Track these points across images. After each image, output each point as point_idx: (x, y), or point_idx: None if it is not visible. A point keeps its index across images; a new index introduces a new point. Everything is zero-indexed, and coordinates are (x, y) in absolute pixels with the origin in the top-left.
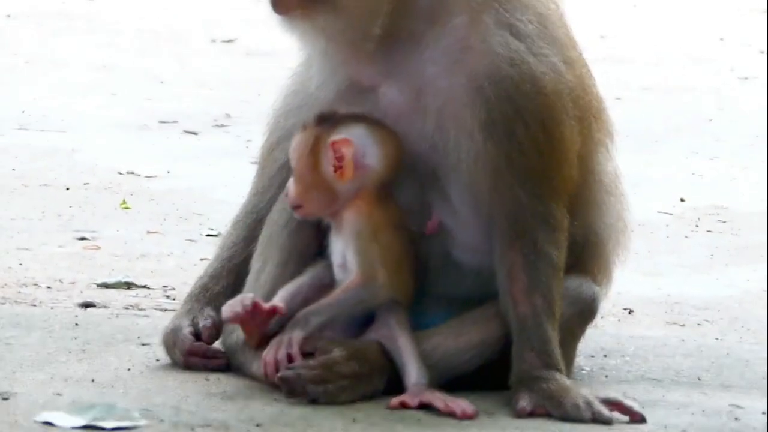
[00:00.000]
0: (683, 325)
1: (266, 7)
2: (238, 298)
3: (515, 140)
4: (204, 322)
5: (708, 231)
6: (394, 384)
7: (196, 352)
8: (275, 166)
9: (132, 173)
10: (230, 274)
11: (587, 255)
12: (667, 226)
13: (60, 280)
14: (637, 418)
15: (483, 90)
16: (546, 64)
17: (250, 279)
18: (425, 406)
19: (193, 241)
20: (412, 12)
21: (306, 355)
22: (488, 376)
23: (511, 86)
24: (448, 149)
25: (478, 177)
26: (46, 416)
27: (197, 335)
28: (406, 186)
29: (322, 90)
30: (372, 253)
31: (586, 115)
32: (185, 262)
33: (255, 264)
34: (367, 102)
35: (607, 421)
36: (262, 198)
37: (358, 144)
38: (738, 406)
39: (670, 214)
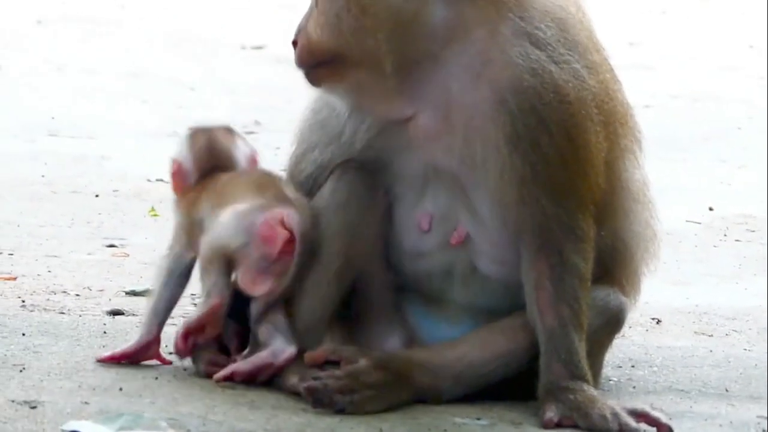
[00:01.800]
0: (711, 336)
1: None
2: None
3: (540, 151)
4: (231, 334)
5: (736, 240)
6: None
7: (218, 363)
8: (302, 176)
9: (161, 180)
10: None
11: (615, 264)
12: (695, 235)
13: (88, 288)
14: (665, 430)
15: (506, 102)
16: (568, 71)
17: None
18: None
19: None
20: (428, 34)
21: (332, 364)
22: (515, 387)
23: (533, 96)
24: (476, 163)
25: (505, 189)
26: (74, 425)
27: (223, 345)
28: (433, 198)
29: (356, 138)
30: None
31: (611, 120)
32: None
33: None
34: (400, 133)
35: None
36: None
37: (179, 160)
38: (766, 418)
39: (699, 223)
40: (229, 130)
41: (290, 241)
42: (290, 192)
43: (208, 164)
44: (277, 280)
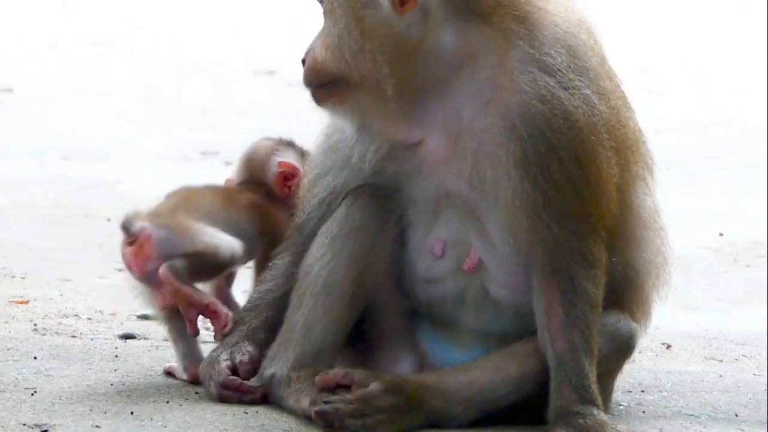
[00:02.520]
0: (721, 361)
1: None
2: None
3: (551, 177)
4: (241, 357)
5: (747, 266)
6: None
7: (230, 386)
8: (314, 201)
9: None
10: (270, 308)
11: (626, 291)
12: (705, 260)
13: (100, 312)
14: None
15: (516, 129)
16: (578, 97)
17: (289, 312)
18: None
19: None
20: (435, 60)
21: (343, 387)
22: (525, 411)
23: (543, 123)
24: (486, 189)
25: (516, 215)
26: None
27: (234, 369)
28: (446, 223)
29: (365, 161)
30: None
31: (623, 147)
32: None
33: (293, 298)
34: (410, 157)
35: None
36: (302, 231)
37: None
38: None
39: (709, 248)
40: (282, 143)
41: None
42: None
43: (245, 172)
44: (162, 296)
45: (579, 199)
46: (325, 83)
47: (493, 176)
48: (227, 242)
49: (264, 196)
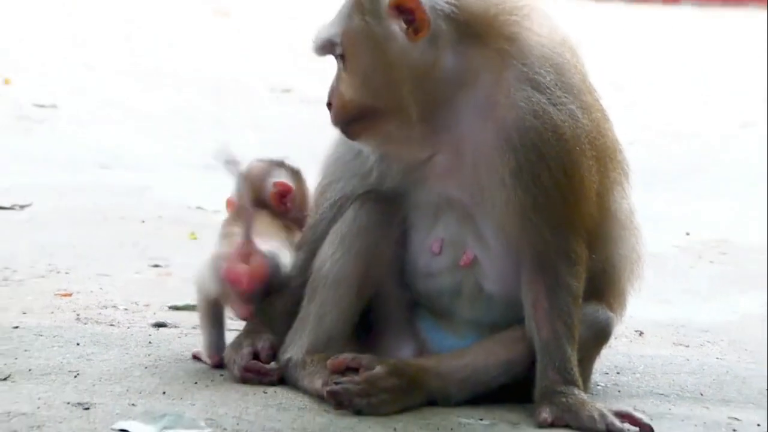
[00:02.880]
0: (688, 346)
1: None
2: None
3: (540, 184)
4: (262, 344)
5: (711, 262)
6: (431, 396)
7: (251, 369)
8: (326, 204)
9: (200, 208)
10: (288, 299)
11: (604, 284)
12: (674, 257)
13: (135, 303)
14: (646, 430)
15: (511, 140)
16: (564, 112)
17: (304, 303)
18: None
19: None
20: (446, 81)
21: (352, 370)
22: (514, 391)
23: (535, 136)
24: (483, 195)
25: (509, 218)
26: (122, 425)
27: (256, 354)
28: (445, 225)
29: (377, 174)
30: None
31: (603, 155)
32: None
33: (307, 290)
34: (419, 170)
35: (619, 431)
36: (315, 231)
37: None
38: (736, 419)
39: (677, 246)
40: (273, 164)
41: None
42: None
43: (251, 190)
44: (246, 309)
45: (564, 203)
46: (355, 119)
47: (489, 182)
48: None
49: (270, 214)
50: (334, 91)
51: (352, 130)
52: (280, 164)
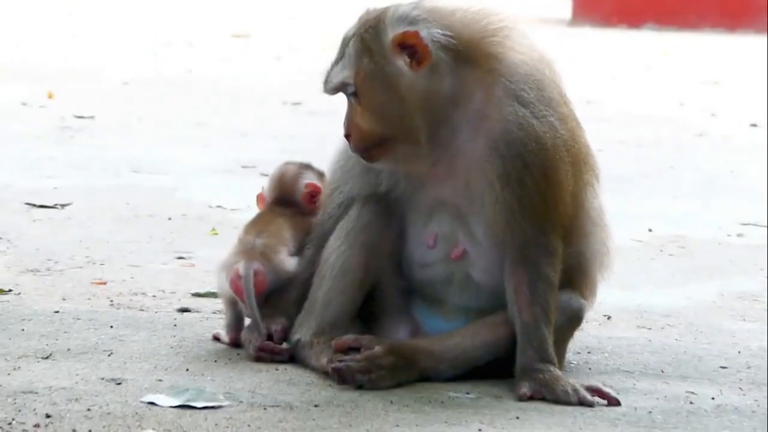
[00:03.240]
0: (650, 329)
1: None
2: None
3: (524, 187)
4: (275, 326)
5: (670, 255)
6: (424, 373)
7: (265, 349)
8: (334, 204)
9: (220, 207)
10: (299, 288)
11: (577, 275)
12: (638, 250)
13: (162, 291)
14: (614, 402)
15: (499, 150)
16: (545, 124)
17: (312, 290)
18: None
19: None
20: (446, 103)
21: (354, 350)
22: (497, 368)
23: (520, 146)
24: (473, 196)
25: (496, 216)
26: (150, 397)
27: (269, 335)
28: (438, 222)
29: (380, 182)
30: None
31: (577, 160)
32: None
33: (315, 279)
34: (419, 178)
35: (590, 404)
36: (324, 228)
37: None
38: (693, 393)
39: (641, 241)
40: (303, 167)
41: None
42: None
43: (276, 193)
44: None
45: (545, 204)
46: (372, 145)
47: (479, 186)
48: (296, 266)
49: (296, 211)
50: (350, 124)
51: (370, 155)
52: (309, 166)
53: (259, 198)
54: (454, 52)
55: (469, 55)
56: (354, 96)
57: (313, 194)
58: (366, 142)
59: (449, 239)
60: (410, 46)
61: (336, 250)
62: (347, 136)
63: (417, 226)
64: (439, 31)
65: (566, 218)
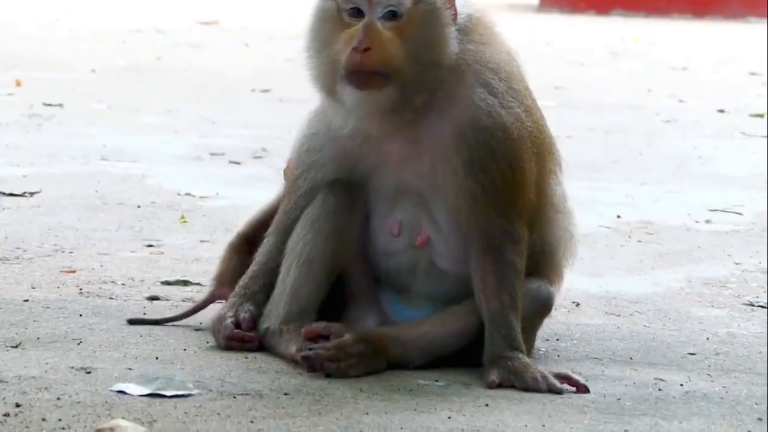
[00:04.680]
0: (619, 315)
1: (347, 83)
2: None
3: (489, 175)
4: (244, 315)
5: (638, 241)
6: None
7: (234, 338)
8: (300, 192)
9: (189, 194)
10: (266, 275)
11: (543, 261)
12: (606, 237)
13: (132, 279)
14: (582, 389)
15: (465, 136)
16: (512, 115)
17: (280, 279)
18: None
19: None
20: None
21: (323, 338)
22: (465, 357)
23: (487, 134)
24: (437, 183)
25: (461, 203)
26: (120, 386)
27: (238, 324)
28: (402, 209)
29: (349, 139)
30: None
31: (541, 150)
32: None
33: (283, 268)
34: (373, 149)
35: (559, 391)
36: (290, 216)
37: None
38: (661, 380)
39: (609, 227)
40: None
41: None
42: None
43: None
44: None
45: (509, 192)
46: (378, 72)
47: (443, 172)
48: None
49: None
50: (374, 41)
51: (372, 80)
52: None
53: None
54: (459, 29)
55: (463, 37)
56: (395, 20)
57: None
58: (382, 66)
59: (413, 226)
60: (452, 5)
61: (302, 239)
62: (366, 49)
63: (381, 214)
64: (461, 4)
65: (530, 205)
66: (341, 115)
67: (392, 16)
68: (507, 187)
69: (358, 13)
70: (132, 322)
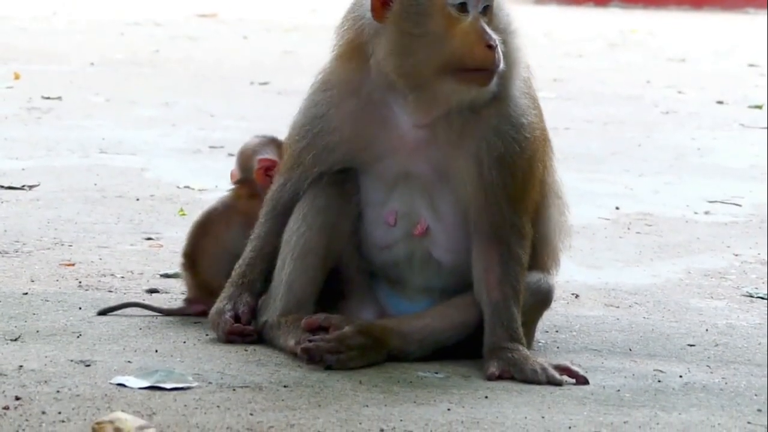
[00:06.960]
0: (618, 307)
1: (455, 76)
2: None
3: (506, 171)
4: (243, 308)
5: (637, 233)
6: (393, 353)
7: (234, 332)
8: (293, 181)
9: (188, 187)
10: (263, 262)
11: (540, 245)
12: (605, 229)
13: (131, 272)
14: (582, 381)
15: (498, 130)
16: (533, 116)
17: (276, 271)
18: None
19: None
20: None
21: (323, 329)
22: (465, 348)
23: (518, 130)
24: (451, 174)
25: (474, 195)
26: (119, 379)
27: (237, 317)
28: (399, 197)
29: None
30: None
31: (545, 147)
32: None
33: (279, 261)
34: (393, 133)
35: (558, 383)
36: (282, 203)
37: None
38: (661, 371)
39: (608, 219)
40: (264, 143)
41: None
42: None
43: (240, 170)
44: None
45: (523, 187)
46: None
47: (462, 165)
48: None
49: (252, 190)
50: (496, 40)
51: (493, 75)
52: (272, 141)
53: (232, 175)
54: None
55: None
56: (485, 15)
57: (268, 168)
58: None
59: (411, 216)
60: None
61: (296, 233)
62: (495, 47)
63: (375, 205)
64: None
65: (536, 201)
66: (416, 106)
67: (485, 10)
68: (522, 183)
69: (462, 7)
70: (102, 312)
